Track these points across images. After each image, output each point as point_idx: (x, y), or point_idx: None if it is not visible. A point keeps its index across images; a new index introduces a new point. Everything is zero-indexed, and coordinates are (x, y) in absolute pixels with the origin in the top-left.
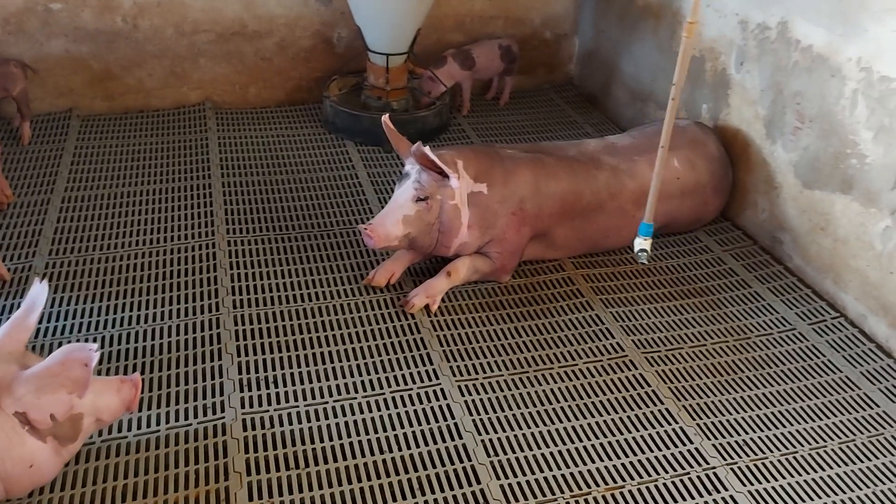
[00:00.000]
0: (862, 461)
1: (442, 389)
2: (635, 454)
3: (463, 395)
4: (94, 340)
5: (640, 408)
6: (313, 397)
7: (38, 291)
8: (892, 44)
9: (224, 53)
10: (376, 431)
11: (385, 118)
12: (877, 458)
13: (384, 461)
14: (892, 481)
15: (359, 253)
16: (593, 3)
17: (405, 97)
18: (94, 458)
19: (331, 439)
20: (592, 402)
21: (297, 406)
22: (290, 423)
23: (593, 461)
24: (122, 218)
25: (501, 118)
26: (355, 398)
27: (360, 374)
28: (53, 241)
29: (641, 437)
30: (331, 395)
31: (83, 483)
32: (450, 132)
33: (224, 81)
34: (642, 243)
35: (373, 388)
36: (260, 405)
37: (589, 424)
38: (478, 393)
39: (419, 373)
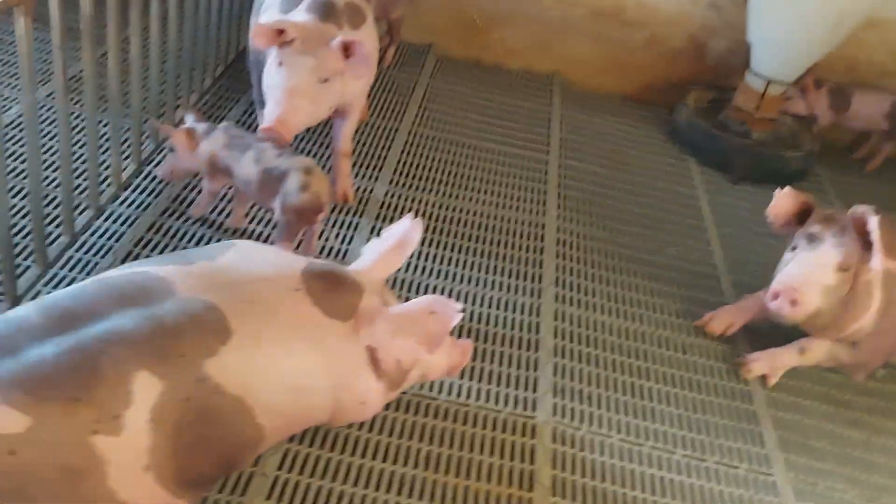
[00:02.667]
0: None
1: (774, 482)
2: None
3: (798, 500)
4: (425, 289)
5: None
6: (628, 433)
7: (412, 228)
8: None
9: (591, 33)
10: (693, 502)
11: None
12: None
13: None
14: None
15: (691, 286)
16: None
17: (770, 130)
18: (402, 411)
19: (643, 490)
20: None
21: (611, 437)
22: (602, 454)
23: None
24: (458, 168)
25: (867, 183)
26: (674, 453)
27: (682, 428)
28: (395, 172)
29: None
30: (647, 439)
31: (383, 431)
32: (807, 181)
33: (579, 60)
34: None
35: (693, 449)
36: (572, 419)
37: None
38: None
39: (748, 452)
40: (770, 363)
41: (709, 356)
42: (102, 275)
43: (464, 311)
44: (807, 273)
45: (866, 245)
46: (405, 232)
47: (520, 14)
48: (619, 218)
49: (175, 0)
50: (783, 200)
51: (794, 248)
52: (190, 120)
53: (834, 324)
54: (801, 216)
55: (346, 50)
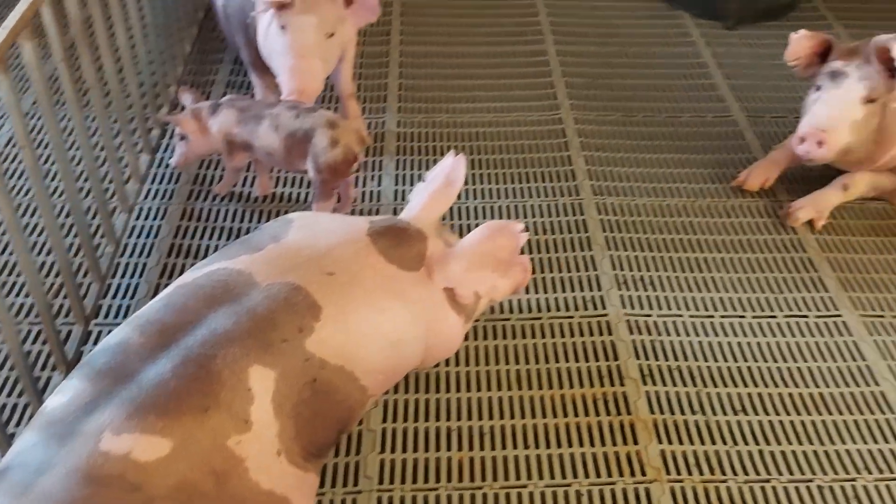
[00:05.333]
0: None
1: (844, 322)
2: None
3: (871, 334)
4: (463, 211)
5: None
6: (697, 308)
7: (455, 165)
8: None
9: None
10: (774, 360)
11: None
12: None
13: (785, 396)
14: None
15: (716, 147)
16: None
17: None
18: (481, 338)
19: (717, 359)
20: None
21: (682, 315)
22: (678, 334)
23: None
24: (459, 81)
25: (864, 4)
26: (744, 317)
27: (746, 290)
28: (400, 99)
29: None
30: (716, 309)
31: (469, 362)
32: (800, 10)
33: None
34: None
35: (762, 309)
36: (642, 307)
37: None
38: (889, 334)
39: (813, 299)
40: (815, 206)
41: (753, 214)
42: (180, 280)
43: (526, 228)
44: (832, 111)
45: (891, 74)
46: (449, 170)
47: None
48: (629, 95)
49: None
50: (800, 44)
51: (818, 88)
52: (189, 101)
53: (868, 157)
54: (823, 56)
55: None
